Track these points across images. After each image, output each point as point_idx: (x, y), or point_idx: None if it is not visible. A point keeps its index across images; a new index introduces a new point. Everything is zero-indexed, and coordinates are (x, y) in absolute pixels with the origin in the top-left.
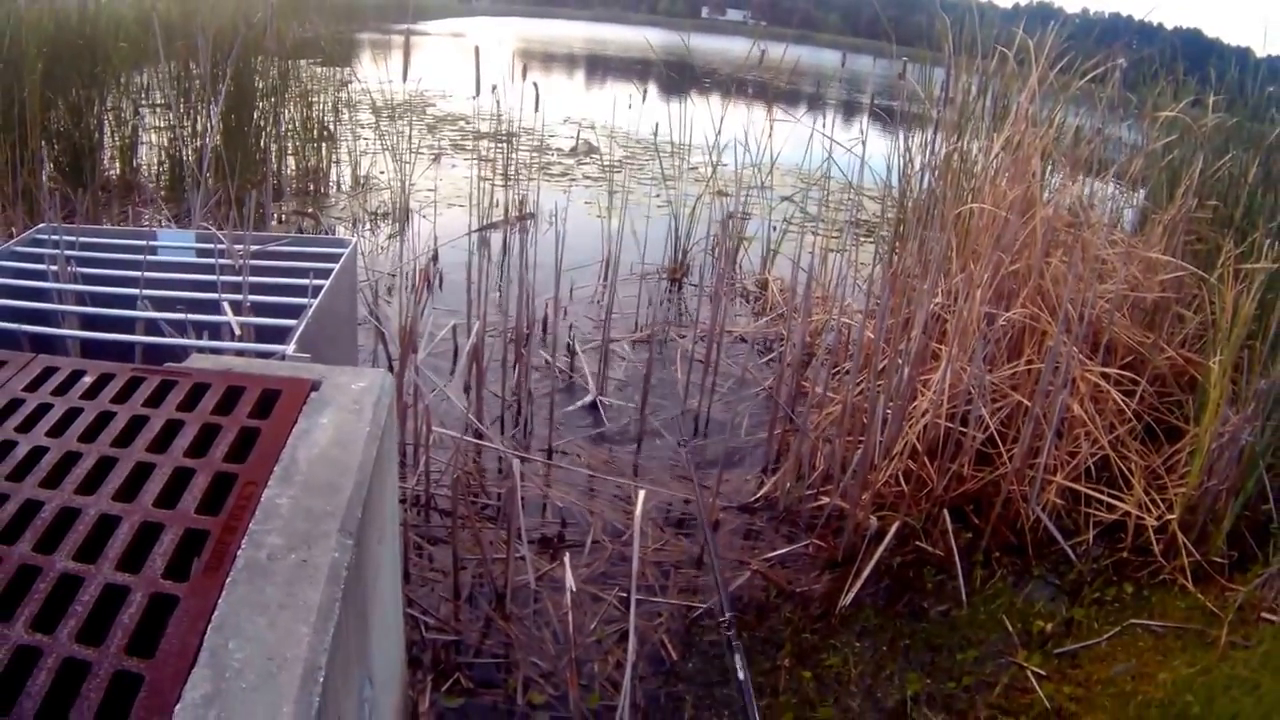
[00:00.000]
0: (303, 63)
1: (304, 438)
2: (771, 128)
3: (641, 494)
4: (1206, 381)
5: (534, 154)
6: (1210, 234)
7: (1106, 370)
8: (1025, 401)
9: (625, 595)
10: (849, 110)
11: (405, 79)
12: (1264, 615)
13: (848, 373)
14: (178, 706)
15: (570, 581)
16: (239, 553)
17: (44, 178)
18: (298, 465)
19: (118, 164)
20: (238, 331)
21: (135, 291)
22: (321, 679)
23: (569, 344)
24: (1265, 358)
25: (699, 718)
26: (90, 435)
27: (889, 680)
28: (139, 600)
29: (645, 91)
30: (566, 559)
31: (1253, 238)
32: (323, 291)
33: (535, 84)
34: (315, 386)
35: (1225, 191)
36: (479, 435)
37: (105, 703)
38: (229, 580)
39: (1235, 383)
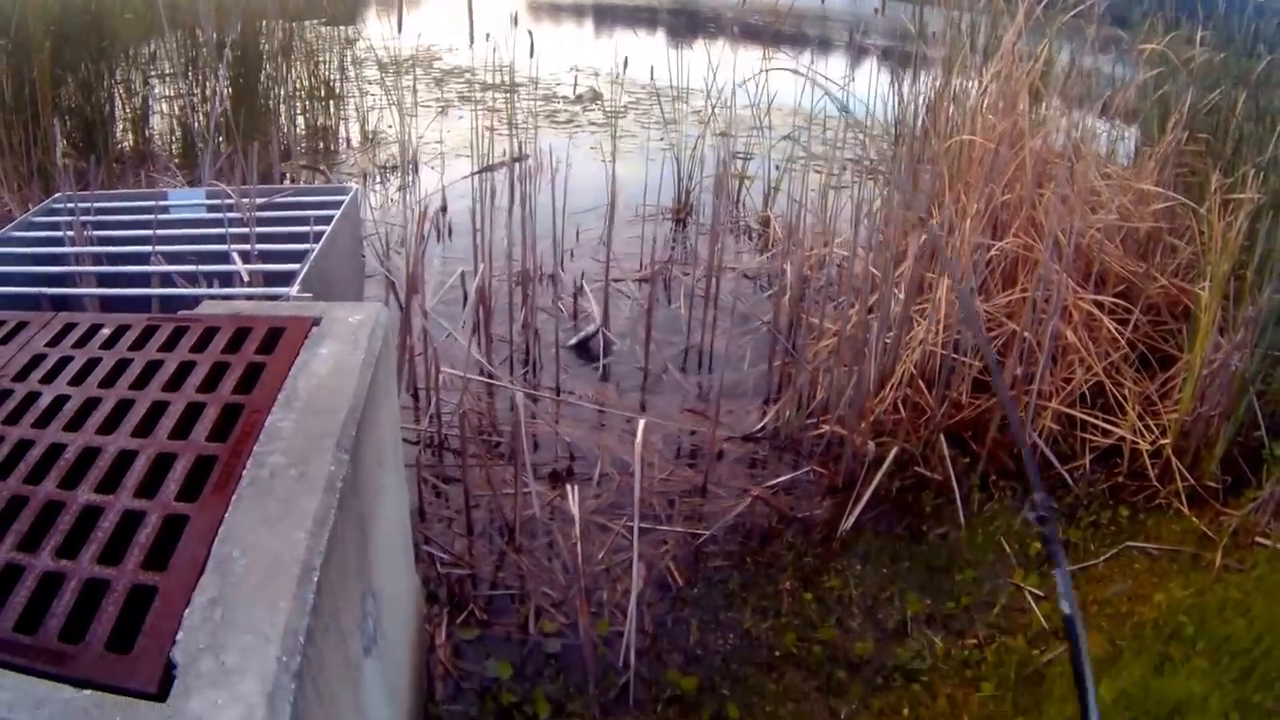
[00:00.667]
0: (308, 23)
1: (304, 368)
2: (767, 71)
3: (642, 423)
4: (1198, 309)
5: (539, 102)
6: (1201, 166)
7: (1099, 298)
8: (1020, 330)
9: (632, 525)
10: (856, 52)
11: (400, 31)
12: (1258, 540)
13: (845, 304)
14: (187, 610)
15: (578, 513)
16: (244, 473)
17: (58, 154)
18: (298, 393)
19: (130, 135)
20: (246, 278)
21: (149, 249)
22: (316, 578)
23: (574, 285)
24: (1254, 286)
25: (704, 640)
26: (109, 381)
27: (889, 601)
28: (154, 522)
29: (649, 36)
30: (574, 491)
31: (1241, 170)
32: (324, 236)
33: (530, 32)
34: (316, 323)
35: (1215, 125)
36: (487, 375)
37: (123, 614)
38: (235, 497)
39: (1225, 311)
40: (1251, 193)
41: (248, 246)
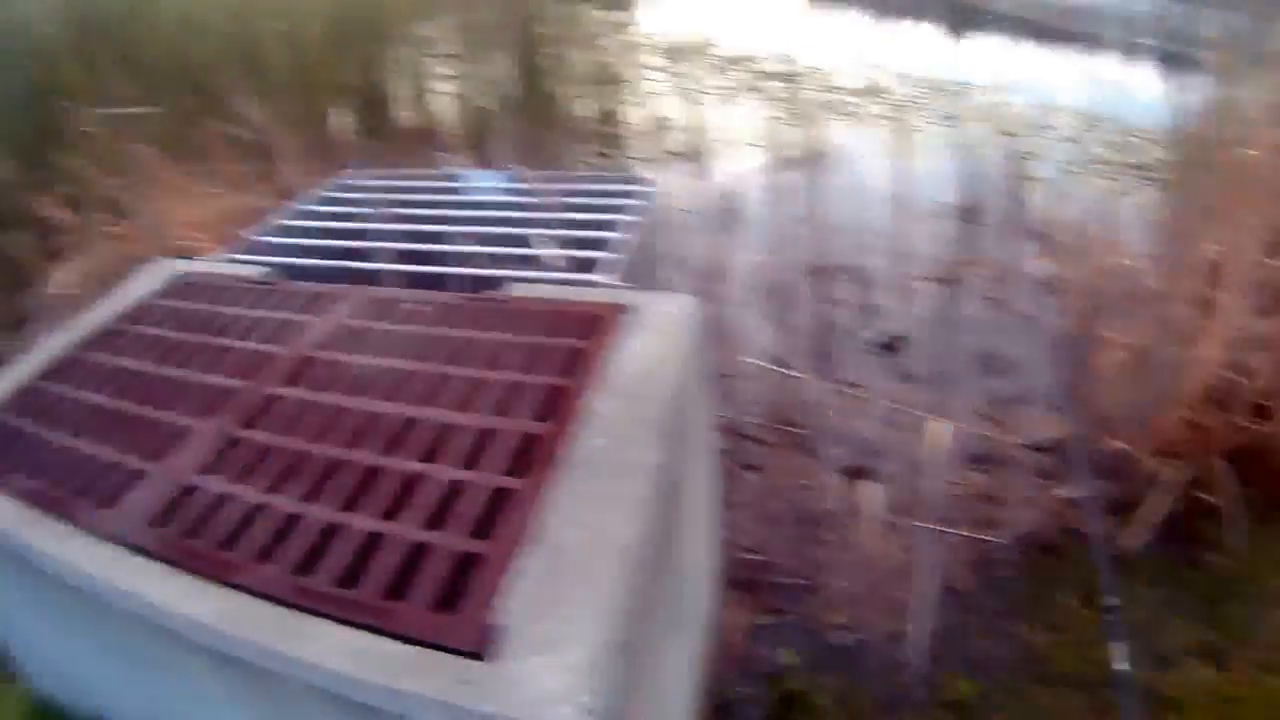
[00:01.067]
0: (584, 8)
1: (621, 355)
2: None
3: (934, 425)
4: None
5: (823, 93)
6: None
7: None
8: None
9: (923, 525)
10: (1141, 54)
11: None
12: None
13: (1139, 318)
14: (510, 578)
15: (872, 510)
16: (567, 453)
17: (343, 129)
18: (617, 379)
19: (409, 113)
20: (553, 263)
21: (444, 228)
22: (635, 558)
23: (866, 279)
24: None
25: (985, 647)
26: (422, 355)
27: (1160, 626)
28: (478, 493)
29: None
30: (869, 488)
31: None
32: (628, 226)
33: (821, 24)
34: (627, 310)
35: None
36: (784, 366)
37: (448, 576)
38: (558, 475)
39: None
40: None
41: (551, 231)
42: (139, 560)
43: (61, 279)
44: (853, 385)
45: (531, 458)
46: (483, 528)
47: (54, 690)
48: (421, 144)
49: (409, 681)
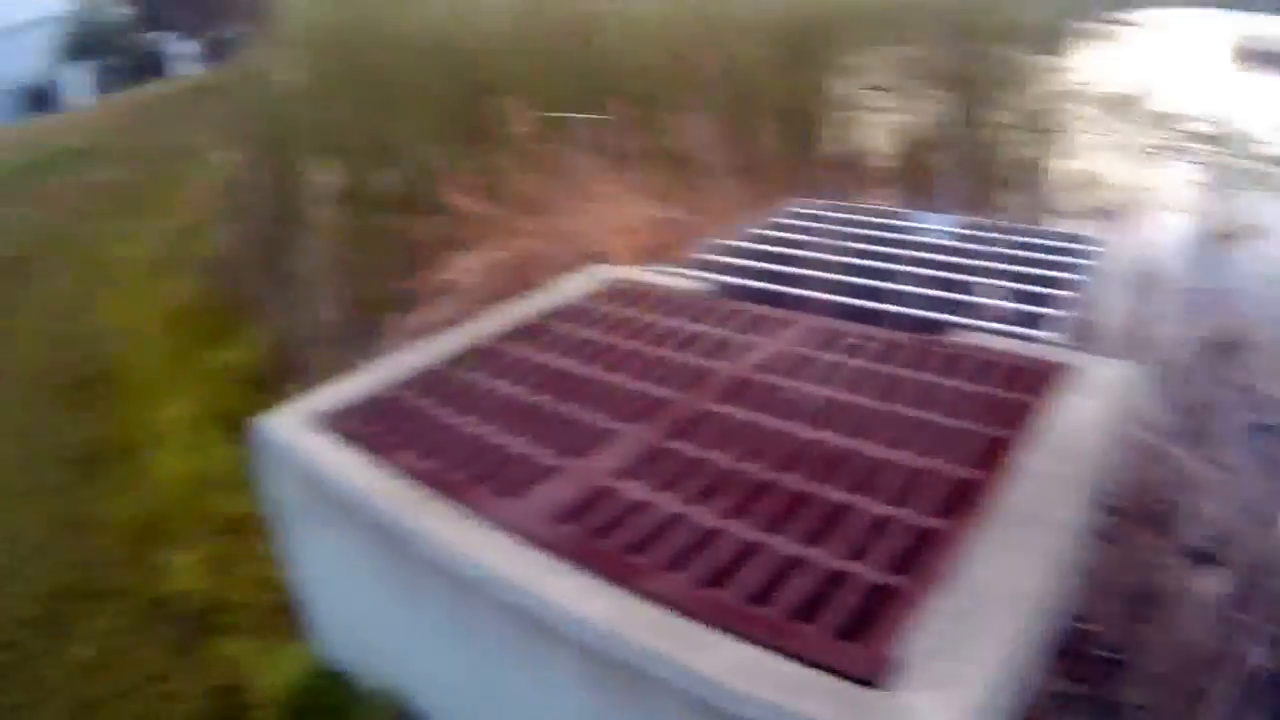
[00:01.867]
0: (1017, 48)
1: (1058, 415)
2: None
3: None
4: None
5: (1255, 161)
6: None
7: None
8: None
9: (1253, 620)
10: None
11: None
12: None
13: None
14: (918, 614)
15: (1206, 596)
16: (993, 502)
17: (772, 154)
18: (1052, 438)
19: (841, 145)
20: (997, 313)
21: (891, 266)
22: (1037, 612)
23: (1271, 361)
24: None
25: None
26: (856, 388)
27: None
28: (902, 530)
29: None
30: (1211, 574)
31: None
32: (1076, 284)
33: (1250, 85)
34: (1067, 369)
35: None
36: (1161, 437)
37: (858, 605)
38: (983, 524)
39: None
40: None
41: (996, 281)
42: (536, 554)
43: (462, 266)
44: (1226, 468)
45: (958, 503)
46: (901, 564)
47: (344, 656)
48: (851, 175)
49: (798, 701)
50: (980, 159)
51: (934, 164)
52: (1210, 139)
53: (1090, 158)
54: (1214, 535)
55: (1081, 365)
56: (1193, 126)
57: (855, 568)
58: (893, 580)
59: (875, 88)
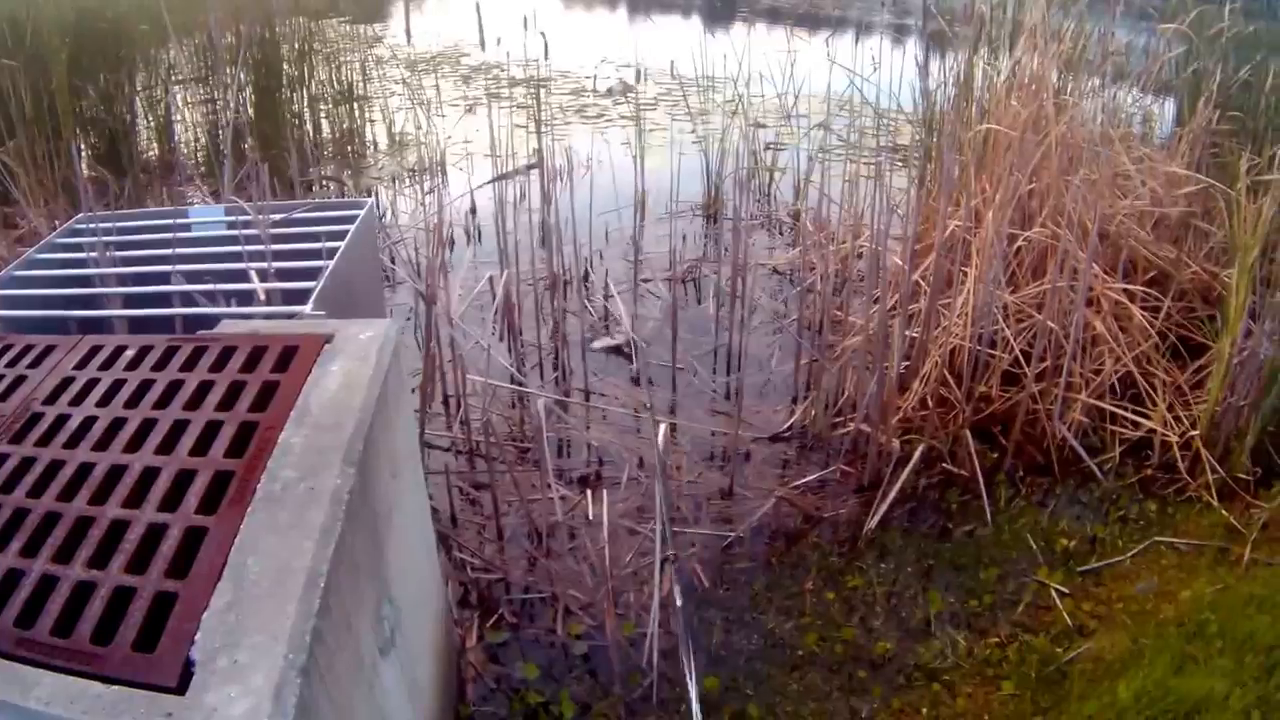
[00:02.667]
0: (331, 22)
1: (316, 385)
2: (794, 54)
3: (663, 428)
4: (1228, 296)
5: (568, 97)
6: (1232, 146)
7: (1129, 287)
8: (1049, 322)
9: (659, 528)
10: (895, 33)
11: (409, 38)
12: None
13: (876, 300)
14: (205, 614)
15: (605, 517)
16: (258, 487)
17: (81, 167)
18: (310, 410)
19: (155, 145)
20: (263, 296)
21: (171, 268)
22: (323, 583)
23: (604, 286)
24: None
25: (728, 641)
26: (134, 401)
27: (912, 599)
28: (175, 534)
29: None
30: (603, 496)
31: (1271, 152)
32: (338, 253)
33: (543, 34)
34: (329, 339)
35: (1246, 102)
36: (515, 381)
37: (148, 618)
38: (250, 510)
39: (1254, 298)
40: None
41: (265, 265)
42: None
43: None
44: (586, 395)
45: (224, 495)
46: (180, 568)
47: None
48: (166, 177)
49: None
50: (282, 139)
51: (229, 154)
52: (527, 83)
53: (406, 119)
54: (594, 458)
55: (342, 332)
56: (512, 73)
57: (139, 581)
58: (173, 586)
59: (187, 80)
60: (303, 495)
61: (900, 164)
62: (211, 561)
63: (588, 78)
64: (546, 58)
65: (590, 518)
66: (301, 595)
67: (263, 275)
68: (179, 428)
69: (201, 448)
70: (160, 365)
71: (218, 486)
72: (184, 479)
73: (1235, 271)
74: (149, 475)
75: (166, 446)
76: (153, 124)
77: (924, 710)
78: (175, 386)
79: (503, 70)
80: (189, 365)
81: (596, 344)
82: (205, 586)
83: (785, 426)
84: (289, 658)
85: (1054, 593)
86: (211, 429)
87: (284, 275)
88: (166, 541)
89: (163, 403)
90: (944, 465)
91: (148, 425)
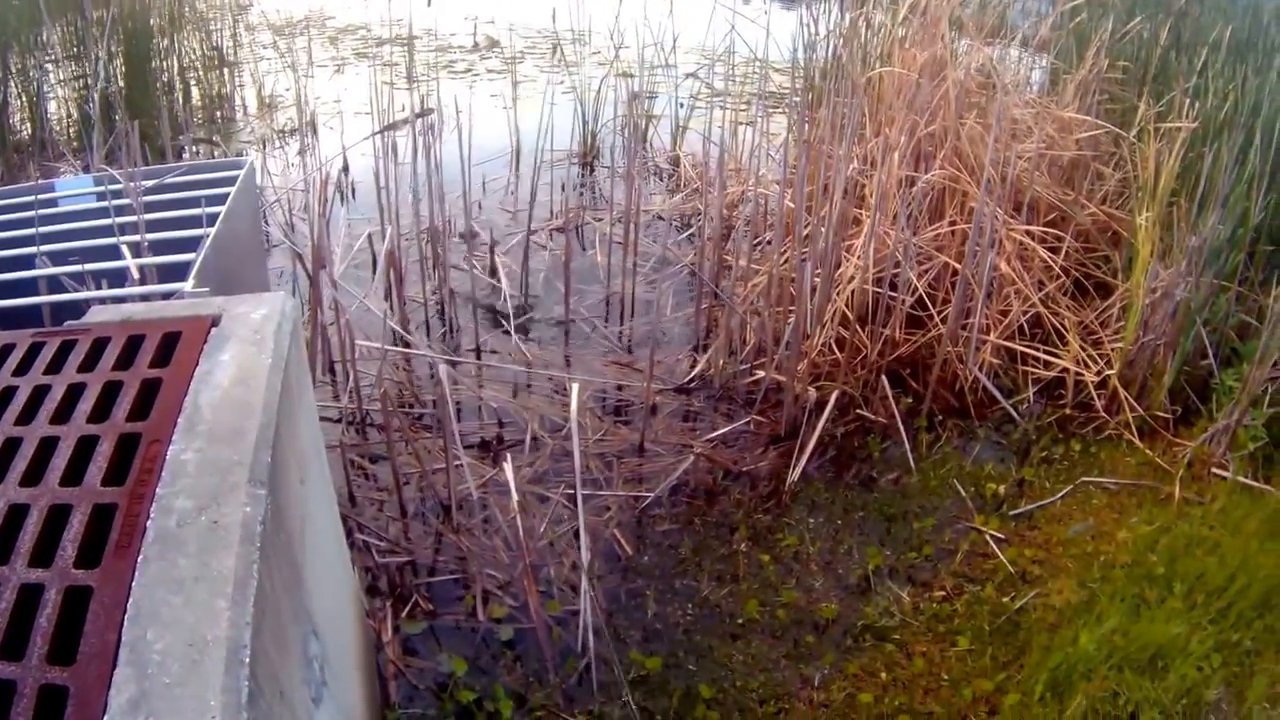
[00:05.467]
0: None
1: (205, 381)
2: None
3: (575, 386)
4: (1133, 237)
5: (436, 53)
6: (1122, 94)
7: (1030, 228)
8: (952, 262)
9: (572, 492)
10: None
11: None
12: (1214, 470)
13: (769, 244)
14: (105, 717)
15: (514, 484)
16: (148, 523)
17: None
18: (201, 413)
19: (29, 125)
20: (136, 275)
21: (30, 250)
22: (247, 658)
23: (487, 240)
24: (1194, 216)
25: (662, 613)
26: None
27: (848, 555)
28: (54, 598)
29: None
30: (508, 461)
31: (1170, 96)
32: (219, 218)
33: None
34: (216, 321)
35: (1135, 53)
36: (404, 343)
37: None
38: (141, 558)
39: (1161, 239)
40: (1185, 120)
41: (138, 237)
42: None
43: None
44: (478, 354)
45: (108, 538)
46: (65, 649)
47: None
48: (39, 154)
49: None
50: (153, 107)
51: (103, 122)
52: (396, 41)
53: (274, 83)
54: (494, 421)
55: (230, 311)
56: (379, 33)
57: (17, 671)
58: (59, 677)
59: (60, 58)
60: (205, 532)
61: (775, 110)
62: (103, 637)
63: (453, 34)
64: (430, 5)
65: (498, 485)
66: (224, 681)
67: (136, 250)
68: (46, 448)
69: (75, 474)
70: (22, 368)
71: (99, 525)
72: (57, 518)
73: (1145, 215)
74: (15, 517)
75: (33, 476)
76: (25, 103)
77: (881, 674)
78: (41, 394)
79: (369, 30)
80: (54, 366)
81: (489, 296)
82: (99, 674)
83: (689, 377)
84: None
85: (991, 540)
86: (85, 447)
87: (161, 248)
88: (44, 610)
89: (25, 417)
90: (859, 411)
91: (9, 448)
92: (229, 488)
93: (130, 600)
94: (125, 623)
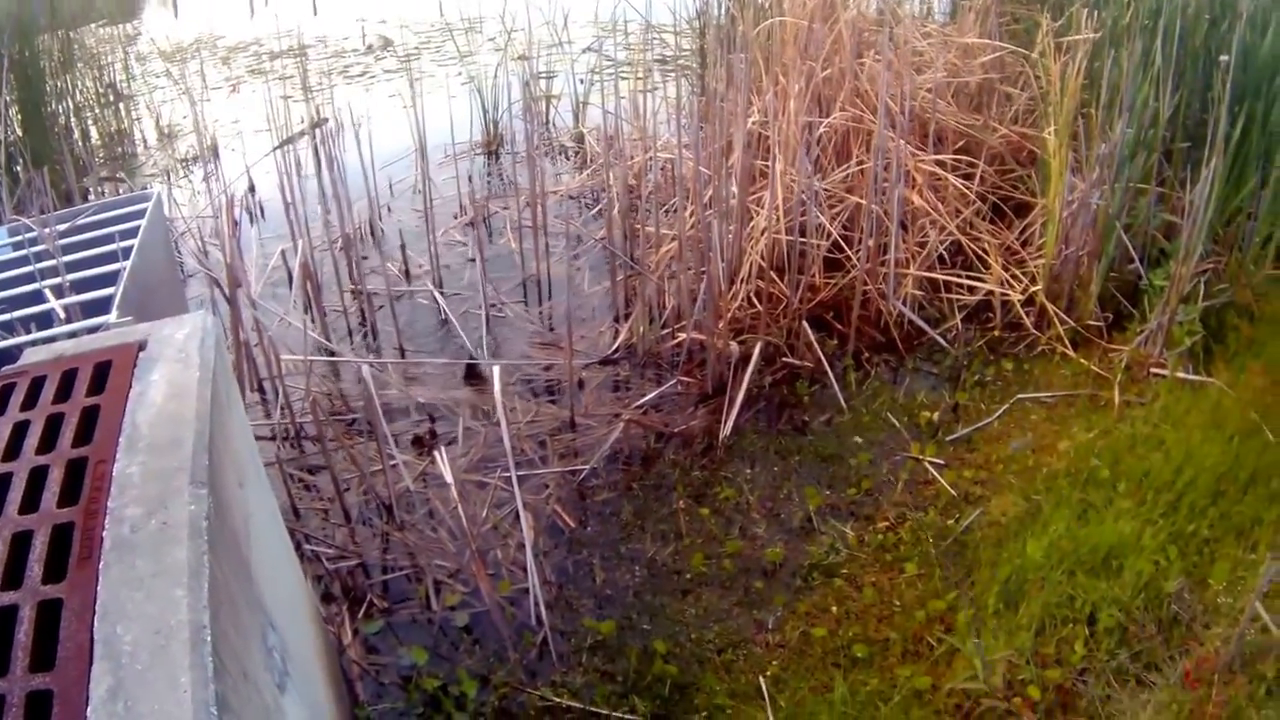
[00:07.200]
0: (90, 27)
1: (140, 401)
2: None
3: (496, 369)
4: (1045, 154)
5: (330, 60)
6: (1024, 13)
7: (940, 158)
8: (863, 202)
9: (508, 475)
10: None
11: (177, 14)
12: (1153, 370)
13: (676, 209)
14: (89, 711)
15: (450, 475)
16: (104, 534)
17: None
18: (140, 430)
19: None
20: (62, 314)
21: None
22: (209, 637)
23: (399, 241)
24: (1101, 124)
25: (611, 579)
26: None
27: (788, 500)
28: (29, 614)
29: None
30: (442, 453)
31: (1070, 11)
32: (133, 251)
33: None
34: (143, 346)
35: None
36: (328, 352)
37: None
38: (102, 565)
39: (1074, 151)
40: (1086, 32)
41: (59, 280)
42: None
43: None
44: (401, 353)
45: (70, 552)
46: (45, 656)
47: None
48: None
49: None
50: (52, 150)
51: (7, 173)
52: (287, 54)
53: (172, 110)
54: (425, 417)
55: (155, 334)
56: (270, 47)
57: (5, 685)
58: (44, 681)
59: None
60: (156, 533)
61: (673, 74)
62: (77, 640)
63: (345, 39)
64: (316, 13)
65: (435, 478)
66: (191, 660)
67: (59, 291)
68: (1, 484)
69: (31, 503)
70: None
71: (60, 543)
72: (21, 543)
73: (1054, 129)
74: None
75: None
76: None
77: (833, 609)
78: None
79: (260, 46)
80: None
81: (407, 291)
82: (79, 673)
83: (613, 349)
84: None
85: (929, 466)
86: (38, 477)
87: (82, 286)
88: (21, 627)
89: None
90: (785, 360)
91: None
92: (173, 491)
93: (98, 603)
94: (95, 623)
